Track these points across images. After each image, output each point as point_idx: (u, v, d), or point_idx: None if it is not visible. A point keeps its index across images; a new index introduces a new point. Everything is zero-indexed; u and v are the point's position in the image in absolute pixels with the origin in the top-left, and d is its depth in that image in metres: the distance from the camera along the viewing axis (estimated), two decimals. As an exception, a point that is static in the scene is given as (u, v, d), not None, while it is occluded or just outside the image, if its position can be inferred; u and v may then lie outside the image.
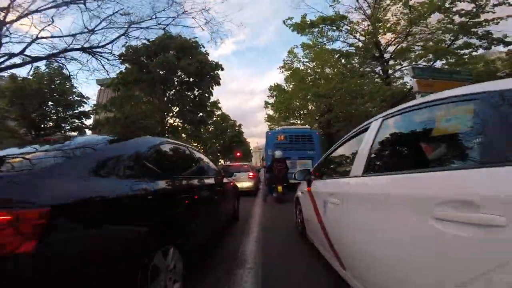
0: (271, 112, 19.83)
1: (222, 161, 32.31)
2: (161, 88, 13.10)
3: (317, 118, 14.09)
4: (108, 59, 9.59)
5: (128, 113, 12.92)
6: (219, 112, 30.57)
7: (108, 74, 10.52)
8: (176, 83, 13.70)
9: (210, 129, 30.47)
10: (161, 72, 12.95)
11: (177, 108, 13.69)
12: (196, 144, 31.86)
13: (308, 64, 15.28)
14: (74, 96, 15.18)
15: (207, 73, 13.61)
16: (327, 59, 13.77)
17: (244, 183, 10.29)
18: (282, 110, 17.33)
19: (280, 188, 7.95)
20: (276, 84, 18.92)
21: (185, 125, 14.68)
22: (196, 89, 13.94)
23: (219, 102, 30.91)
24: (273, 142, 12.24)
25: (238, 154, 34.10)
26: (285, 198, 8.21)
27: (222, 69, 14.38)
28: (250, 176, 10.43)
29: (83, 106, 15.92)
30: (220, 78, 14.32)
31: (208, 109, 14.99)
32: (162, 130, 13.00)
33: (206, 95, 14.07)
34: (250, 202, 8.76)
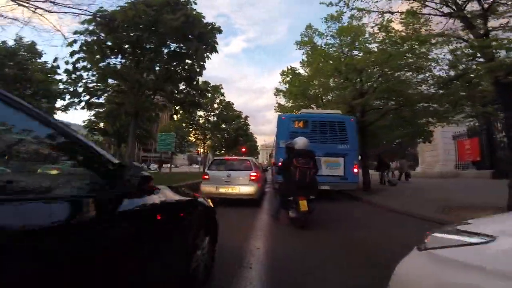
0: (283, 101, 15.90)
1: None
2: (135, 52, 9.67)
3: (345, 103, 10.40)
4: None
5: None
6: (221, 98, 27.06)
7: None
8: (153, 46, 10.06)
9: (212, 116, 26.99)
10: (131, 34, 9.49)
11: (152, 77, 10.16)
12: (193, 132, 28.79)
13: (332, 42, 11.40)
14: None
15: (199, 35, 9.97)
16: (360, 31, 10.10)
17: (242, 188, 6.77)
18: (298, 97, 13.46)
19: (304, 203, 4.37)
20: (290, 67, 14.91)
21: (174, 106, 11.17)
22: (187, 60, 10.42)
23: (221, 87, 27.41)
24: (289, 130, 8.65)
25: (244, 149, 30.53)
26: (313, 219, 4.66)
27: (220, 32, 10.74)
28: (252, 177, 6.89)
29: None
30: (217, 43, 10.64)
31: (199, 86, 11.27)
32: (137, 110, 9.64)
33: (197, 66, 10.44)
34: (250, 218, 5.31)
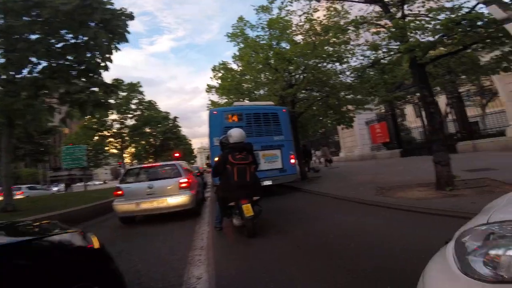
0: (215, 98, 14.95)
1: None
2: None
3: (276, 94, 10.22)
4: None
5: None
6: (139, 97, 24.02)
7: None
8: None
9: (129, 119, 23.67)
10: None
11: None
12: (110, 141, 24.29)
13: (262, 33, 11.13)
14: None
15: (101, 21, 8.00)
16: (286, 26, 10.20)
17: (172, 199, 5.57)
18: (230, 92, 12.72)
19: (248, 207, 3.58)
20: (222, 62, 14.05)
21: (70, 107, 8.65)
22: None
23: (139, 85, 24.38)
24: (222, 125, 7.81)
25: (177, 154, 28.20)
26: (261, 222, 3.96)
27: (132, 18, 8.95)
28: (182, 184, 5.73)
29: None
30: (128, 31, 8.79)
31: (104, 83, 9.02)
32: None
33: (100, 59, 8.33)
34: (187, 235, 4.30)
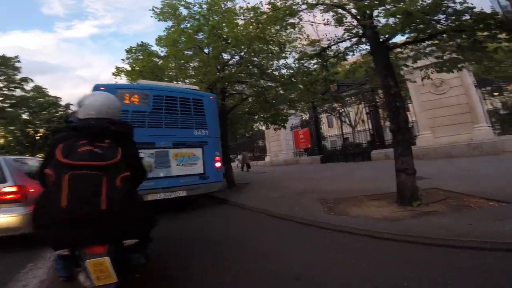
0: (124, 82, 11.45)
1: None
2: None
3: (203, 81, 8.16)
4: None
5: None
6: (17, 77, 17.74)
7: None
8: None
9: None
10: None
11: None
12: None
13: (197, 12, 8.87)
14: None
15: None
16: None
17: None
18: (146, 77, 9.70)
19: (102, 264, 1.44)
20: (141, 43, 10.74)
21: None
22: None
23: (16, 60, 17.97)
24: None
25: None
26: (161, 273, 1.88)
27: None
28: (6, 196, 2.99)
29: None
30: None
31: None
32: None
33: None
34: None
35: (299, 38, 7.80)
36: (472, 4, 3.71)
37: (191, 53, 8.71)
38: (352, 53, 5.81)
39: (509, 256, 2.07)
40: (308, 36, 7.42)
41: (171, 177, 5.46)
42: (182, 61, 8.89)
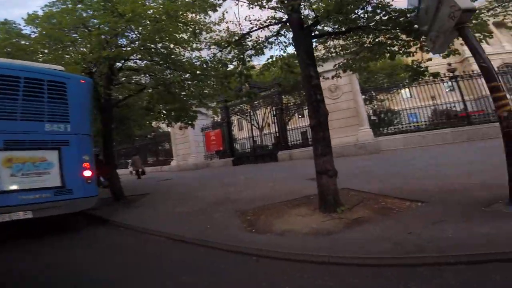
0: None
1: None
2: None
3: (78, 62, 5.83)
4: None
5: None
6: None
7: None
8: None
9: None
10: None
11: None
12: None
13: None
14: None
15: None
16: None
17: None
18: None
19: None
20: (3, 20, 7.27)
21: None
22: None
23: None
24: None
25: None
26: None
27: None
28: None
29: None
30: None
31: None
32: None
33: None
34: None
35: (217, 30, 6.68)
36: (389, 2, 3.64)
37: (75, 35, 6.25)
38: (271, 45, 5.24)
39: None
40: (228, 28, 6.39)
41: (2, 192, 3.34)
42: (57, 41, 6.20)
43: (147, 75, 7.63)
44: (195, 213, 4.33)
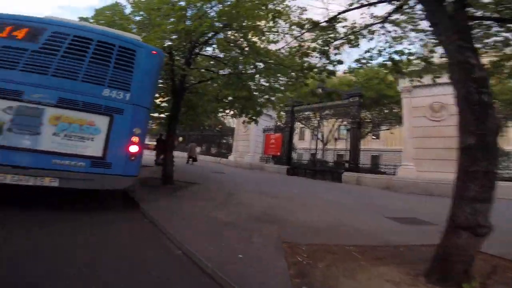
0: None
1: None
2: None
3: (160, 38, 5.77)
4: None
5: None
6: None
7: None
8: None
9: None
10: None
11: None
12: None
13: None
14: None
15: None
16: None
17: None
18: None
19: None
20: (115, 3, 8.12)
21: None
22: None
23: None
24: None
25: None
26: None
27: None
28: None
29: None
30: None
31: None
32: None
33: None
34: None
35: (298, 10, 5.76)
36: None
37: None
38: (372, 35, 3.98)
39: None
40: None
41: (36, 151, 3.15)
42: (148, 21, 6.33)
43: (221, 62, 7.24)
44: (232, 227, 3.44)
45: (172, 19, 5.69)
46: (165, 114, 8.90)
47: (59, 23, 3.75)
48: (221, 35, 6.10)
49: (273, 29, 5.92)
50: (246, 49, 6.13)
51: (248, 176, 12.06)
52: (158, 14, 6.18)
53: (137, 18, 6.80)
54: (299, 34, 4.90)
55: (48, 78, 3.29)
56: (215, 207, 4.55)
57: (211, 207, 4.47)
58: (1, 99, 3.07)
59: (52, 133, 3.20)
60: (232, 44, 6.22)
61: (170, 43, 6.02)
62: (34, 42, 3.35)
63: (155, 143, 13.61)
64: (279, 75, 6.35)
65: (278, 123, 17.56)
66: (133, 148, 3.76)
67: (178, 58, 6.78)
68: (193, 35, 5.56)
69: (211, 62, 7.70)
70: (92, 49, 3.65)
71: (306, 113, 15.85)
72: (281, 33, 5.74)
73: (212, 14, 5.85)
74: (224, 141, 23.38)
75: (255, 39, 6.17)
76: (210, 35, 5.95)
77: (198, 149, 22.26)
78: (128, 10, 7.59)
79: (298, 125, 17.22)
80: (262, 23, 6.10)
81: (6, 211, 3.13)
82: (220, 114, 15.21)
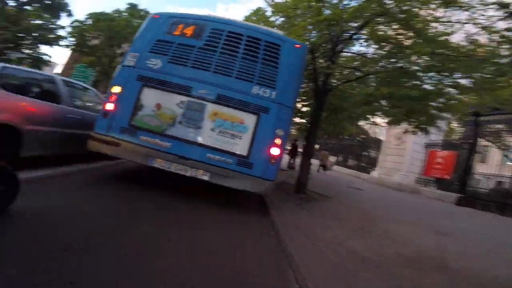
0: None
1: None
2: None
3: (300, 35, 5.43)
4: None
5: None
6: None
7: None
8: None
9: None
10: None
11: None
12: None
13: None
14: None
15: None
16: None
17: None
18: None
19: None
20: (257, 8, 8.66)
21: None
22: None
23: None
24: (157, 37, 3.80)
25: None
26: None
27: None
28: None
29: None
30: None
31: None
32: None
33: None
34: None
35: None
36: None
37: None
38: None
39: None
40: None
41: (196, 144, 3.51)
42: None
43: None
44: (373, 266, 2.48)
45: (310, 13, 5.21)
46: (306, 119, 8.61)
47: (215, 19, 4.11)
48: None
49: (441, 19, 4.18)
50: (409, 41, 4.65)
51: (397, 198, 9.77)
52: (295, 13, 5.92)
53: (279, 21, 6.82)
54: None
55: (210, 74, 3.65)
56: (351, 233, 3.68)
57: (346, 233, 3.64)
58: (176, 93, 3.50)
59: (210, 128, 3.51)
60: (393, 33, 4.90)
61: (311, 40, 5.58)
62: (199, 39, 3.73)
63: (289, 147, 13.96)
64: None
65: (448, 137, 13.41)
66: (275, 151, 3.56)
67: (318, 55, 6.24)
68: (335, 28, 4.81)
69: (355, 62, 6.63)
70: (243, 45, 3.77)
71: (496, 126, 11.08)
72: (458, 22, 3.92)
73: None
74: (365, 153, 20.86)
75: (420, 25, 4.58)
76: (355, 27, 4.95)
77: (332, 159, 21.22)
78: (268, 13, 7.80)
79: (480, 141, 12.33)
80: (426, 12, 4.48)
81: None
82: (367, 121, 13.37)
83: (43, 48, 21.28)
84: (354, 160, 21.22)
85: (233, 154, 3.48)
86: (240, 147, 3.52)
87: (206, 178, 3.39)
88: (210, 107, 3.52)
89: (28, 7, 7.87)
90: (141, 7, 22.47)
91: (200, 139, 3.50)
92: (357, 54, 6.34)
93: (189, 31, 3.79)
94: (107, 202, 3.03)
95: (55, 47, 21.81)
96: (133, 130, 3.43)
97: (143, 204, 3.20)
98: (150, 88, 3.53)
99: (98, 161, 4.38)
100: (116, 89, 3.51)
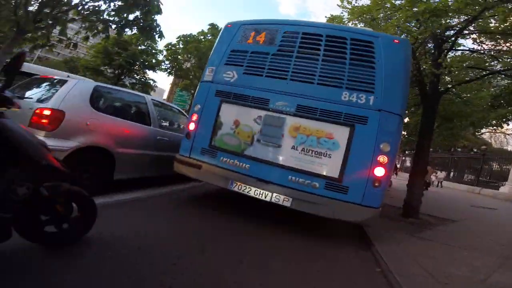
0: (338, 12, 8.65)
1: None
2: None
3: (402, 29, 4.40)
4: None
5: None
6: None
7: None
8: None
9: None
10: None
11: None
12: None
13: None
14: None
15: None
16: None
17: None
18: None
19: None
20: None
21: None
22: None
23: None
24: (230, 47, 3.53)
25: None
26: None
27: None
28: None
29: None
30: None
31: None
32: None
33: None
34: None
35: None
36: None
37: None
38: None
39: None
40: None
41: (275, 165, 3.04)
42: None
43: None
44: None
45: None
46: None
47: (288, 22, 3.67)
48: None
49: None
50: None
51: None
52: (378, 13, 4.89)
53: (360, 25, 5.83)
54: None
55: (287, 83, 3.20)
56: (496, 265, 2.65)
57: (488, 265, 2.61)
58: (253, 108, 3.18)
59: (291, 146, 3.02)
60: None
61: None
62: (272, 45, 3.36)
63: None
64: None
65: None
66: (379, 171, 2.76)
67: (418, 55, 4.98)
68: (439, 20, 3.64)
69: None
70: (323, 46, 3.17)
71: None
72: None
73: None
74: (487, 166, 16.76)
75: None
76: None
77: (442, 174, 17.32)
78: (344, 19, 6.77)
79: None
80: None
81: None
82: (491, 128, 10.20)
83: (149, 73, 25.14)
84: (471, 174, 17.35)
85: (320, 176, 2.87)
86: (329, 167, 2.86)
87: (287, 204, 2.85)
88: (290, 121, 3.04)
89: (127, 29, 9.16)
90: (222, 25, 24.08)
91: (280, 159, 3.04)
92: (471, 50, 5.10)
93: (261, 37, 3.47)
94: (189, 227, 2.85)
95: (158, 72, 24.97)
96: (213, 151, 3.26)
97: (218, 231, 2.89)
98: (228, 103, 3.32)
99: (186, 183, 4.44)
100: (197, 107, 3.45)
